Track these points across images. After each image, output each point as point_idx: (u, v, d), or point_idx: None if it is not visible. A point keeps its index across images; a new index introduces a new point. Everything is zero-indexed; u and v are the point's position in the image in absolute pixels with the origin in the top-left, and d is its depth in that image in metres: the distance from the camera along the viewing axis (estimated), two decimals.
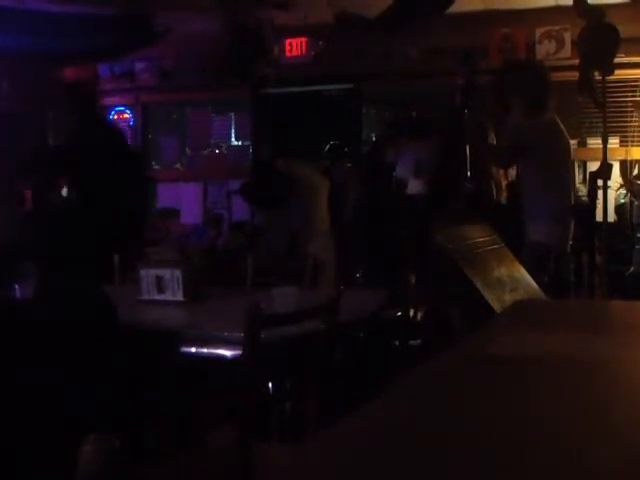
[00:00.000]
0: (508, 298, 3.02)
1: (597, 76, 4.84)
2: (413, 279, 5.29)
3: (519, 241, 4.11)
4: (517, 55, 6.55)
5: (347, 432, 1.01)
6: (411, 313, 4.80)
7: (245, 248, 4.86)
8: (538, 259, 4.06)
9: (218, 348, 2.53)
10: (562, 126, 4.44)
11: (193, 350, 2.56)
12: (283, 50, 7.27)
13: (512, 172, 5.35)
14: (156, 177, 8.10)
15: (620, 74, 5.64)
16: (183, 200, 7.97)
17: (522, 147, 4.32)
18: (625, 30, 4.98)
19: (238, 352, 2.31)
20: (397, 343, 4.24)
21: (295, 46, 7.29)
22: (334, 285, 4.59)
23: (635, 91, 6.40)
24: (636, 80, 6.39)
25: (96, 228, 2.95)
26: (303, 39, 7.24)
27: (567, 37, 6.36)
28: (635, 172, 6.38)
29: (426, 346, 4.30)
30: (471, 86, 4.60)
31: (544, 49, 6.51)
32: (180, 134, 8.30)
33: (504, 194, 5.44)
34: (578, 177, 6.54)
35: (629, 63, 6.03)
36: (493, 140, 5.16)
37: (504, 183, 5.50)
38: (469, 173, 4.77)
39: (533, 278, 3.32)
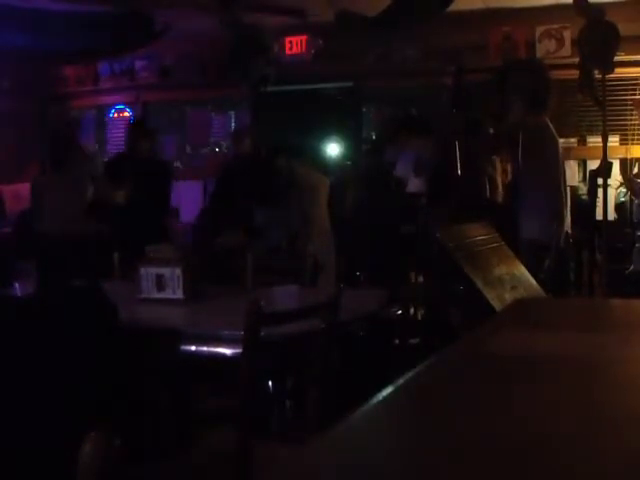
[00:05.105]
0: (508, 296, 3.03)
1: (597, 74, 4.85)
2: (413, 278, 5.29)
3: (514, 239, 4.11)
4: (517, 54, 6.55)
5: (347, 432, 1.01)
6: (411, 312, 4.79)
7: (245, 247, 4.85)
8: (534, 257, 4.07)
9: (218, 346, 2.52)
10: (552, 126, 4.47)
11: (193, 348, 2.55)
12: (283, 48, 7.27)
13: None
14: None
15: (620, 72, 5.64)
16: (182, 198, 7.95)
17: (519, 143, 4.32)
18: (625, 28, 4.99)
19: (238, 350, 2.31)
20: (397, 342, 4.24)
21: (295, 44, 7.28)
22: (334, 284, 4.59)
23: (635, 89, 6.40)
24: (636, 78, 6.38)
25: None
26: (303, 37, 7.24)
27: (567, 36, 6.37)
28: (635, 170, 6.38)
29: (426, 345, 4.30)
30: (460, 86, 4.60)
31: (544, 48, 6.51)
32: (180, 132, 8.29)
33: (501, 193, 5.43)
34: (578, 175, 6.54)
35: (629, 61, 6.03)
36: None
37: (500, 181, 5.49)
38: (460, 172, 4.77)
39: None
